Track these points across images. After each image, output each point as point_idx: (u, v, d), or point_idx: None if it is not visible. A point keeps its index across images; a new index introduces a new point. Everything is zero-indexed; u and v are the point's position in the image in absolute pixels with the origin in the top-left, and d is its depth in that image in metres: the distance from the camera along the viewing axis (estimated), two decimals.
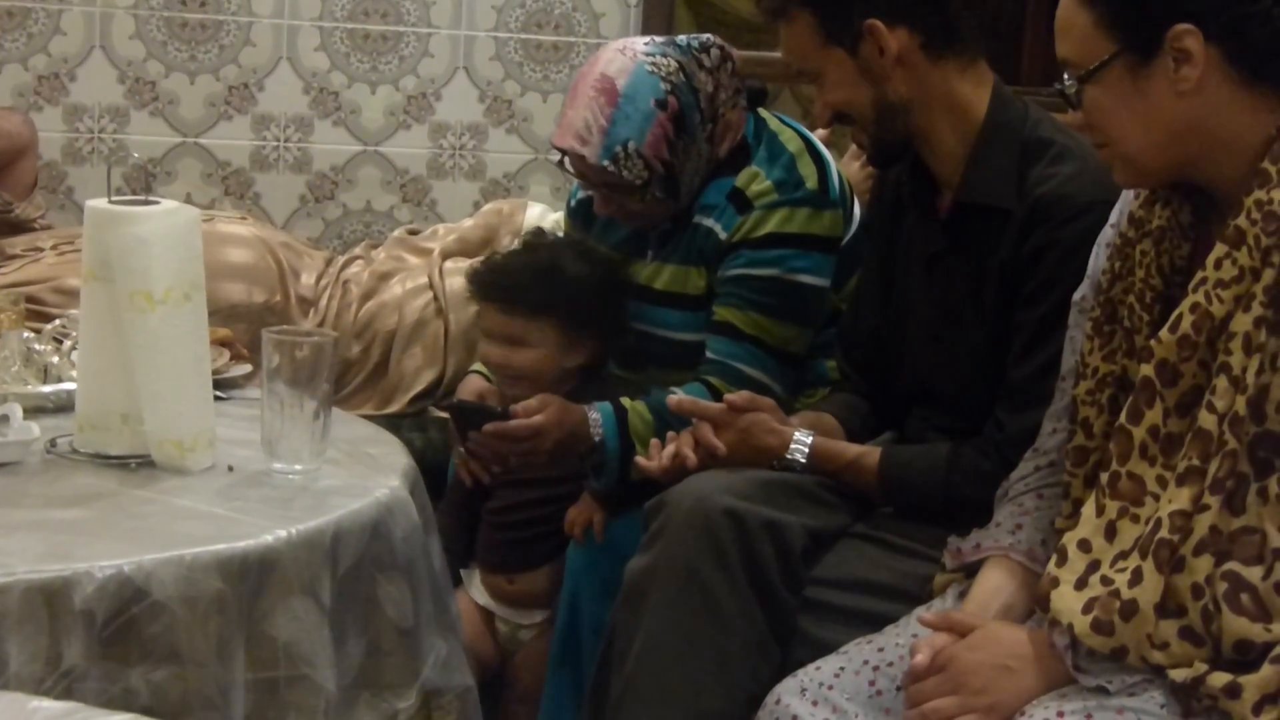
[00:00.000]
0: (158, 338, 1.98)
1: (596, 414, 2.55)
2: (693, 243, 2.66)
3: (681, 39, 2.67)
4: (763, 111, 2.72)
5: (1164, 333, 1.70)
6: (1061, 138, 2.21)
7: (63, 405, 2.19)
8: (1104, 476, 1.75)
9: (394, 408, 3.27)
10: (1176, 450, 1.69)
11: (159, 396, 1.99)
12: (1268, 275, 1.63)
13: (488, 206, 3.67)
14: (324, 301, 3.34)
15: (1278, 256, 1.63)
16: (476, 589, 2.82)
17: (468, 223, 3.59)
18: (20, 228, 3.42)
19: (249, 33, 3.85)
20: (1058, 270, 2.10)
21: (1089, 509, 1.75)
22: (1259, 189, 1.66)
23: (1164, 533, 1.65)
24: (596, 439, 2.54)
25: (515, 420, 2.51)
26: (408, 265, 3.44)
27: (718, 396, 2.45)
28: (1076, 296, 1.96)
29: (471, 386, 2.83)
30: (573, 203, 2.89)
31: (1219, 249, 1.67)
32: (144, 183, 3.62)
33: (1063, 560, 1.74)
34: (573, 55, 3.99)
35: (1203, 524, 1.63)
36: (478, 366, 2.86)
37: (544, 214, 3.55)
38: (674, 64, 2.60)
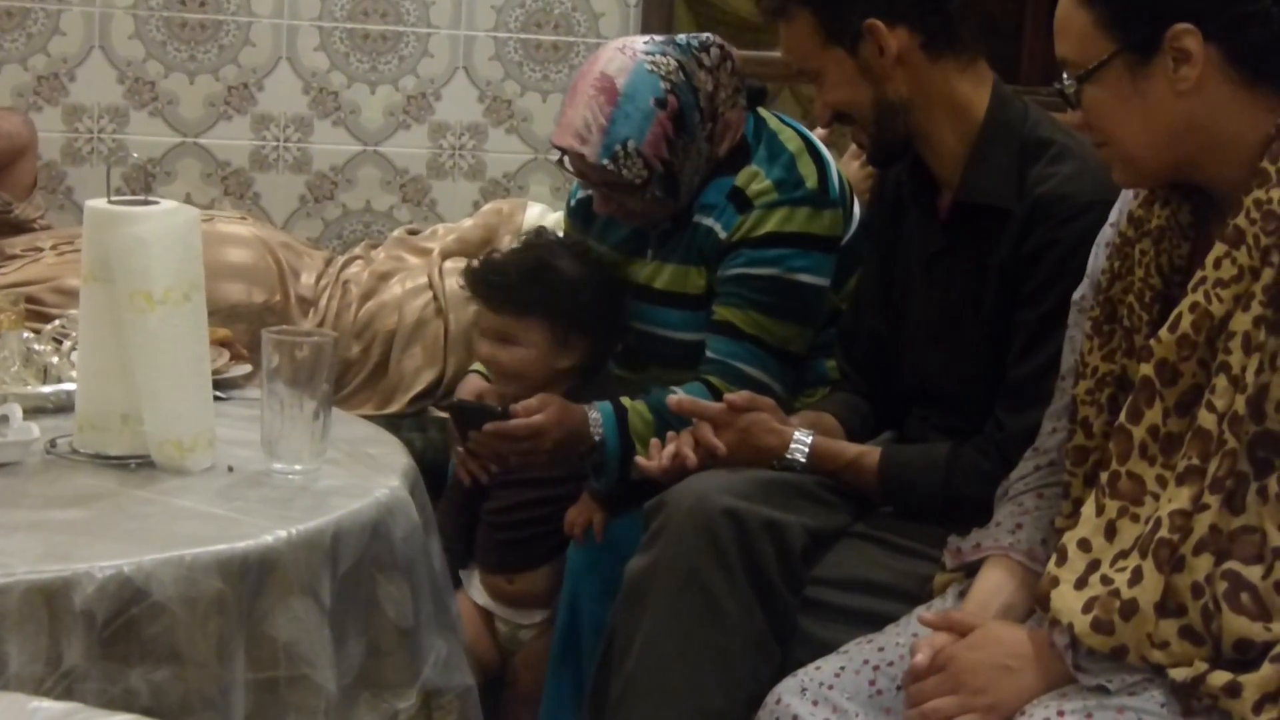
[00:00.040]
0: (157, 338, 1.98)
1: (596, 413, 2.55)
2: (692, 242, 2.66)
3: (681, 38, 2.67)
4: (762, 111, 2.72)
5: (1163, 332, 1.70)
6: (1061, 137, 2.21)
7: (62, 406, 2.19)
8: (1104, 476, 1.75)
9: (394, 408, 3.27)
10: (1176, 449, 1.69)
11: (159, 397, 1.99)
12: (1267, 274, 1.63)
13: (487, 206, 3.67)
14: (324, 301, 3.34)
15: (1277, 256, 1.63)
16: (476, 589, 2.82)
17: (467, 223, 3.59)
18: (20, 228, 3.42)
19: (248, 33, 3.85)
20: (1057, 270, 2.10)
21: (1089, 508, 1.75)
22: (1258, 188, 1.66)
23: (1164, 532, 1.65)
24: (596, 438, 2.55)
25: (515, 420, 2.51)
26: (407, 265, 3.44)
27: (718, 396, 2.45)
28: (1076, 296, 1.96)
29: (471, 386, 2.84)
30: (572, 202, 2.89)
31: (1218, 248, 1.67)
32: (143, 183, 3.64)
33: (1063, 560, 1.74)
34: (572, 55, 3.99)
35: (1202, 523, 1.63)
36: (477, 366, 2.87)
37: (544, 214, 3.55)
38: (674, 63, 2.60)
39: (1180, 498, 1.65)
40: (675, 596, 2.11)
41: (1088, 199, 2.08)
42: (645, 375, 2.73)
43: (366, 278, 3.38)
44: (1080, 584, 1.71)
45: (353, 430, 2.30)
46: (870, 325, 2.44)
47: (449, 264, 3.39)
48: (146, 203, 2.06)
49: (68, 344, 2.34)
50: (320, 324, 3.28)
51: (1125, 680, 1.66)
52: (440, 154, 3.99)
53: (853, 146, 2.89)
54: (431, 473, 2.38)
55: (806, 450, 2.29)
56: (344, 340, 3.25)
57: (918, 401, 2.37)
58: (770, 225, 2.58)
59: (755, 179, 2.61)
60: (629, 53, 2.61)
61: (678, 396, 2.41)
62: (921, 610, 1.95)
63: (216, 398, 2.12)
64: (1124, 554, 1.69)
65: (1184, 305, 1.69)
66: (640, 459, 2.36)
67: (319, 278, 3.38)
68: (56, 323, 2.45)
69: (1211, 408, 1.65)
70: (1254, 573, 1.62)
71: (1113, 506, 1.73)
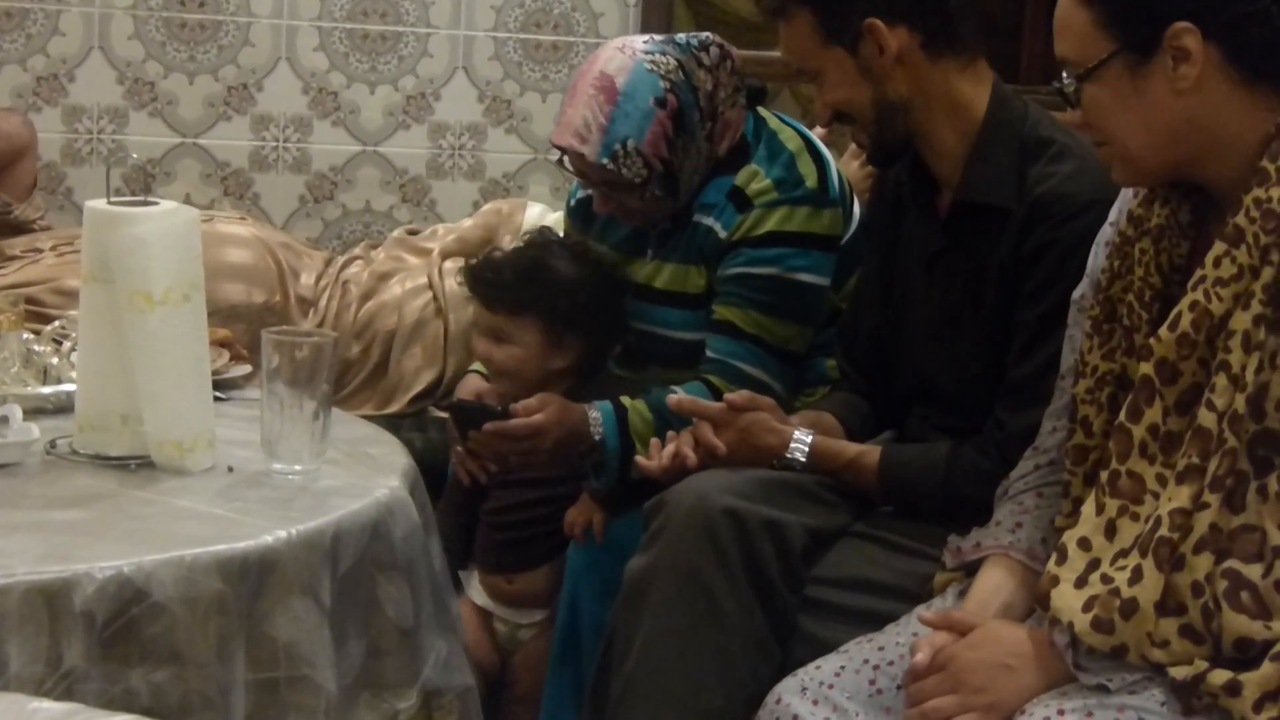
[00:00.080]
0: (157, 338, 1.98)
1: (596, 413, 2.56)
2: (692, 241, 2.66)
3: (681, 37, 2.67)
4: (762, 110, 2.72)
5: (1163, 331, 1.70)
6: (1061, 136, 2.21)
7: (62, 406, 2.19)
8: (1104, 475, 1.75)
9: (394, 408, 3.27)
10: (1176, 448, 1.69)
11: (158, 397, 1.99)
12: (1267, 273, 1.63)
13: (487, 206, 3.68)
14: (323, 302, 3.34)
15: (1277, 254, 1.63)
16: (475, 589, 2.82)
17: (467, 223, 3.59)
18: (19, 229, 3.42)
19: (248, 33, 3.85)
20: (1057, 269, 2.10)
21: (1089, 507, 1.75)
22: (1258, 187, 1.66)
23: (1164, 531, 1.65)
24: (596, 438, 2.55)
25: (515, 419, 2.51)
26: (407, 265, 3.44)
27: (718, 395, 2.45)
28: (1076, 295, 1.96)
29: (470, 386, 2.84)
30: (572, 202, 2.89)
31: (1218, 247, 1.67)
32: (143, 183, 3.64)
33: (1063, 559, 1.74)
34: (572, 55, 3.98)
35: (1202, 522, 1.63)
36: (477, 366, 2.87)
37: (543, 214, 3.55)
38: (673, 62, 2.60)
39: (1180, 496, 1.65)
40: (675, 596, 2.11)
41: (1087, 198, 2.08)
42: (645, 375, 2.73)
43: (366, 278, 3.38)
44: (1080, 583, 1.70)
45: (352, 430, 2.30)
46: (870, 325, 2.44)
47: (449, 264, 3.39)
48: (146, 203, 2.06)
49: (67, 345, 2.35)
50: (320, 324, 3.28)
51: (1125, 679, 1.66)
52: (440, 154, 3.99)
53: (852, 146, 2.89)
54: (431, 473, 2.38)
55: (806, 450, 2.29)
56: (344, 340, 3.25)
57: (918, 401, 2.37)
58: (770, 224, 2.58)
59: (755, 178, 2.61)
60: (628, 52, 2.61)
61: (678, 396, 2.41)
62: (921, 609, 1.95)
63: (216, 398, 2.12)
64: (1124, 553, 1.69)
65: (1184, 304, 1.69)
66: (640, 459, 2.36)
67: (319, 278, 3.38)
68: (56, 323, 2.45)
69: (1211, 406, 1.65)
70: (1254, 571, 1.62)
71: (1113, 505, 1.73)
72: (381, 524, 1.94)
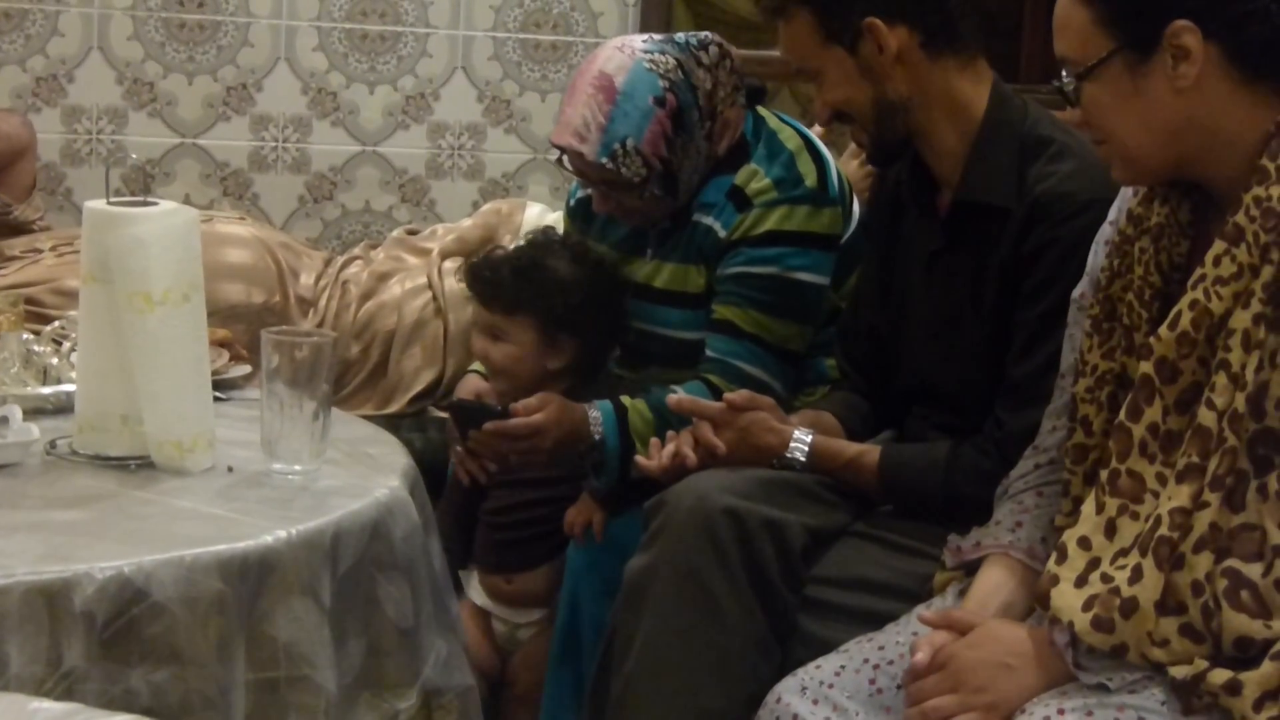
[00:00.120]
0: (157, 339, 1.98)
1: (596, 412, 2.55)
2: (692, 241, 2.66)
3: (680, 36, 2.67)
4: (761, 109, 2.72)
5: (1163, 330, 1.70)
6: (1060, 135, 2.21)
7: (62, 407, 2.19)
8: (1104, 474, 1.75)
9: (393, 408, 3.28)
10: (1176, 447, 1.69)
11: (158, 397, 1.99)
12: (1266, 272, 1.63)
13: (486, 206, 3.68)
14: (323, 302, 3.34)
15: (1276, 253, 1.63)
16: (475, 590, 2.82)
17: (466, 223, 3.59)
18: (19, 229, 3.42)
19: (247, 33, 3.85)
20: (1057, 268, 2.09)
21: (1089, 506, 1.75)
22: (1257, 186, 1.66)
23: (1164, 530, 1.65)
24: (596, 437, 2.54)
25: (515, 419, 2.51)
26: (407, 265, 3.44)
27: (718, 395, 2.44)
28: (1076, 294, 1.96)
29: (470, 386, 2.84)
30: (572, 202, 2.89)
31: (1218, 246, 1.67)
32: (142, 184, 3.64)
33: (1063, 558, 1.74)
34: (571, 55, 3.99)
35: (1202, 521, 1.63)
36: (477, 366, 2.87)
37: (543, 214, 3.56)
38: (672, 61, 2.60)
39: (1180, 495, 1.65)
40: (675, 596, 2.11)
41: (1087, 197, 2.08)
42: (645, 374, 2.73)
43: (366, 278, 3.38)
44: (1080, 582, 1.70)
45: (352, 430, 2.30)
46: (870, 324, 2.44)
47: (448, 264, 3.39)
48: (145, 204, 2.06)
49: (67, 345, 2.35)
50: (320, 324, 3.28)
51: (1125, 678, 1.66)
52: (439, 154, 3.99)
53: (852, 145, 2.89)
54: (431, 473, 2.38)
55: (806, 449, 2.29)
56: (343, 340, 3.25)
57: (917, 400, 2.37)
58: (769, 224, 2.58)
59: (754, 177, 2.61)
60: (628, 51, 2.61)
61: (677, 395, 2.41)
62: (921, 609, 1.95)
63: (216, 398, 2.12)
64: (1124, 552, 1.69)
65: (1183, 303, 1.69)
66: (640, 458, 2.36)
67: (318, 278, 3.38)
68: (56, 324, 2.45)
69: (1211, 405, 1.65)
70: (1254, 570, 1.62)
71: (1113, 504, 1.73)
72: (381, 524, 1.93)
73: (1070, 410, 1.88)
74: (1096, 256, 1.92)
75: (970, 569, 1.98)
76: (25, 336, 2.33)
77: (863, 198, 2.78)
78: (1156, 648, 1.64)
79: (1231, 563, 1.62)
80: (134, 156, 3.77)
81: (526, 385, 2.65)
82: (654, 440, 2.36)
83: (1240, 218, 1.66)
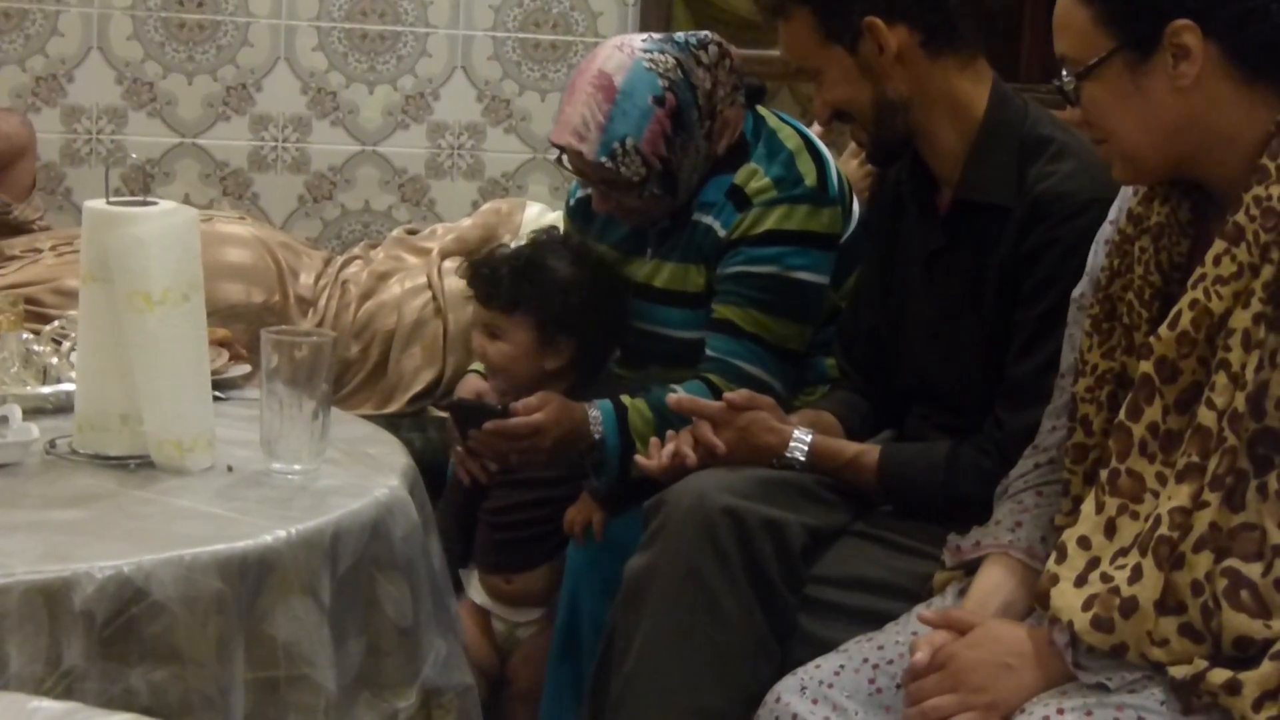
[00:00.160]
0: (156, 338, 1.98)
1: (596, 411, 2.55)
2: (692, 240, 2.66)
3: (680, 36, 2.67)
4: (761, 109, 2.72)
5: (1163, 329, 1.70)
6: (1060, 135, 2.21)
7: (62, 406, 2.19)
8: (1103, 474, 1.75)
9: (393, 407, 3.27)
10: (1176, 447, 1.69)
11: (158, 397, 1.99)
12: (1266, 271, 1.63)
13: (486, 206, 3.68)
14: (323, 301, 3.34)
15: (1276, 253, 1.63)
16: (474, 589, 2.82)
17: (466, 222, 3.59)
18: (19, 229, 3.41)
19: (246, 33, 3.85)
20: (1057, 268, 2.09)
21: (1088, 506, 1.75)
22: (1258, 185, 1.66)
23: (1164, 529, 1.65)
24: (596, 436, 2.54)
25: (515, 418, 2.51)
26: (406, 265, 3.44)
27: (718, 394, 2.44)
28: (1076, 294, 1.96)
29: (470, 385, 2.84)
30: (571, 201, 2.89)
31: (1218, 245, 1.67)
32: (142, 183, 3.64)
33: (1062, 557, 1.74)
34: (571, 54, 3.98)
35: (1202, 521, 1.63)
36: (477, 366, 2.87)
37: (542, 213, 3.56)
38: (672, 61, 2.60)
39: (1180, 495, 1.65)
40: (675, 595, 2.11)
41: (1087, 197, 2.08)
42: (645, 374, 2.73)
43: (365, 277, 3.38)
44: (1080, 582, 1.70)
45: (352, 430, 2.30)
46: (870, 323, 2.44)
47: (448, 264, 3.39)
48: (145, 203, 2.06)
49: (67, 344, 2.34)
50: (319, 324, 3.28)
51: (1125, 678, 1.66)
52: (439, 154, 3.99)
53: (852, 145, 2.89)
54: (431, 472, 2.38)
55: (806, 449, 2.29)
56: (343, 340, 3.25)
57: (917, 400, 2.37)
58: (769, 223, 2.58)
59: (754, 177, 2.61)
60: (627, 50, 2.61)
61: (677, 395, 2.41)
62: (921, 608, 1.95)
63: (216, 398, 2.12)
64: (1124, 551, 1.69)
65: (1184, 302, 1.69)
66: (639, 458, 2.36)
67: (318, 278, 3.38)
68: (56, 323, 2.44)
69: (1211, 405, 1.65)
70: (1254, 570, 1.62)
71: (1112, 504, 1.72)
72: (381, 523, 1.93)
73: (1070, 410, 1.88)
74: (1096, 256, 1.92)
75: (970, 568, 1.98)
76: (25, 336, 2.33)
77: (862, 197, 2.78)
78: (1156, 647, 1.64)
79: (1231, 562, 1.62)
80: (134, 156, 3.77)
81: (525, 384, 2.65)
82: (654, 440, 2.36)
83: (1240, 217, 1.66)
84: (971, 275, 2.23)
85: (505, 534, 2.77)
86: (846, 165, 2.93)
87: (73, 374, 2.21)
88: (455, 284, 3.24)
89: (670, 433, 2.34)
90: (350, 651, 1.88)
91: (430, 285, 3.36)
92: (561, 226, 2.95)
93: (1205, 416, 1.65)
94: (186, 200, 3.65)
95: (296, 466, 2.00)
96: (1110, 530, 1.72)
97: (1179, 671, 1.62)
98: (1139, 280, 1.79)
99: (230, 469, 2.03)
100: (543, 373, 2.69)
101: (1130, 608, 1.64)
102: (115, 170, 3.77)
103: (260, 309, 3.23)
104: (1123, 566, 1.68)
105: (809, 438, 2.30)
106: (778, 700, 1.91)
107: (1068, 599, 1.70)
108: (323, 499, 1.94)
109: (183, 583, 1.69)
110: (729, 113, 2.65)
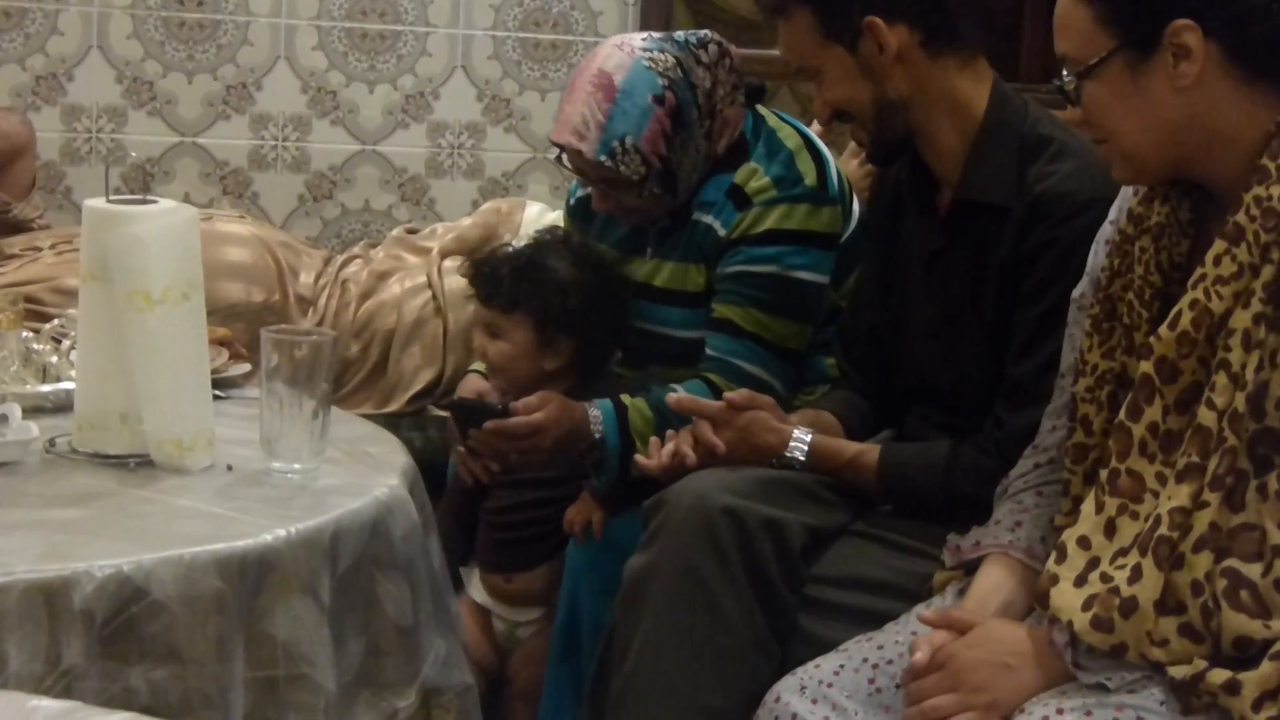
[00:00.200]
0: (156, 337, 1.98)
1: (597, 411, 2.55)
2: (692, 240, 2.66)
3: (679, 35, 2.67)
4: (761, 108, 2.72)
5: (1163, 329, 1.70)
6: (1061, 135, 2.20)
7: (61, 405, 2.19)
8: (1103, 474, 1.75)
9: (393, 407, 3.27)
10: (1176, 447, 1.69)
11: (158, 396, 1.99)
12: (1267, 272, 1.63)
13: (486, 205, 3.68)
14: (323, 300, 3.34)
15: (1277, 253, 1.63)
16: (475, 587, 2.82)
17: (466, 221, 3.59)
18: (18, 228, 3.42)
19: (246, 32, 3.85)
20: (1057, 267, 2.09)
21: (1088, 506, 1.75)
22: (1258, 185, 1.66)
23: (1163, 530, 1.65)
24: (596, 436, 2.54)
25: (515, 418, 2.51)
26: (406, 264, 3.44)
27: (718, 394, 2.44)
28: (1076, 294, 1.96)
29: (471, 385, 2.84)
30: (572, 201, 2.89)
31: (1218, 245, 1.67)
32: (142, 182, 3.63)
33: (1062, 557, 1.73)
34: (571, 53, 3.98)
35: (1202, 521, 1.63)
36: (477, 366, 2.87)
37: (542, 213, 3.56)
38: (671, 60, 2.60)
39: (1180, 495, 1.65)
40: (674, 595, 2.11)
41: (1087, 196, 2.08)
42: (645, 373, 2.73)
43: (365, 277, 3.38)
44: (1080, 582, 1.70)
45: (352, 429, 2.30)
46: (870, 323, 2.44)
47: (448, 263, 3.39)
48: (145, 202, 2.06)
49: (66, 343, 2.34)
50: (319, 323, 3.28)
51: (1125, 678, 1.66)
52: (439, 153, 3.99)
53: (852, 144, 2.89)
54: (431, 472, 2.38)
55: (806, 449, 2.29)
56: (343, 339, 3.25)
57: (917, 399, 2.37)
58: (769, 222, 2.58)
59: (754, 176, 2.61)
60: (627, 49, 2.61)
61: (677, 394, 2.41)
62: (921, 608, 1.95)
63: (216, 397, 2.12)
64: (1123, 551, 1.69)
65: (1184, 302, 1.69)
66: (639, 457, 2.36)
67: (318, 277, 3.38)
68: (55, 322, 2.44)
69: (1211, 405, 1.65)
70: (1253, 570, 1.62)
71: (1112, 504, 1.72)
72: (381, 523, 1.93)
73: (1070, 410, 1.88)
74: (1097, 256, 1.92)
75: (970, 568, 1.98)
76: (24, 335, 2.33)
77: (862, 197, 2.77)
78: (1156, 647, 1.64)
79: (1231, 562, 1.62)
80: (133, 155, 3.77)
81: (524, 384, 2.65)
82: (654, 439, 2.36)
83: (1240, 217, 1.66)
84: (971, 275, 2.23)
85: (506, 534, 2.77)
86: (846, 165, 2.93)
87: (72, 373, 2.21)
88: (455, 283, 3.24)
89: (670, 432, 2.34)
90: (350, 651, 1.88)
91: (430, 284, 3.36)
92: (562, 226, 2.95)
93: (1205, 416, 1.65)
94: (186, 199, 3.66)
95: (296, 466, 2.00)
96: (1110, 530, 1.72)
97: (1178, 672, 1.62)
98: (1139, 280, 1.79)
99: (230, 468, 2.03)
100: (542, 373, 2.69)
101: (1130, 608, 1.64)
102: (115, 169, 3.77)
103: (260, 308, 3.23)
104: (1122, 566, 1.67)
105: (809, 437, 2.29)
106: (777, 700, 1.91)
107: (1067, 599, 1.69)
108: (322, 498, 1.94)
109: (182, 582, 1.69)
110: (729, 112, 2.65)
